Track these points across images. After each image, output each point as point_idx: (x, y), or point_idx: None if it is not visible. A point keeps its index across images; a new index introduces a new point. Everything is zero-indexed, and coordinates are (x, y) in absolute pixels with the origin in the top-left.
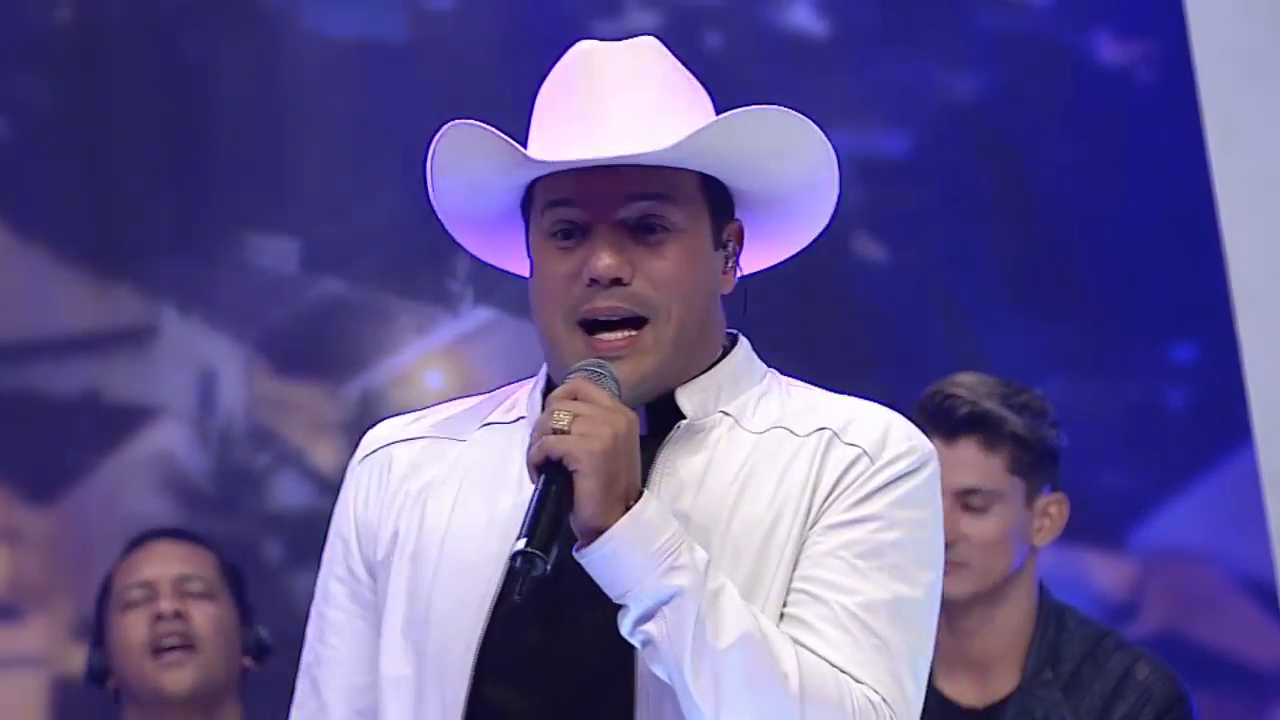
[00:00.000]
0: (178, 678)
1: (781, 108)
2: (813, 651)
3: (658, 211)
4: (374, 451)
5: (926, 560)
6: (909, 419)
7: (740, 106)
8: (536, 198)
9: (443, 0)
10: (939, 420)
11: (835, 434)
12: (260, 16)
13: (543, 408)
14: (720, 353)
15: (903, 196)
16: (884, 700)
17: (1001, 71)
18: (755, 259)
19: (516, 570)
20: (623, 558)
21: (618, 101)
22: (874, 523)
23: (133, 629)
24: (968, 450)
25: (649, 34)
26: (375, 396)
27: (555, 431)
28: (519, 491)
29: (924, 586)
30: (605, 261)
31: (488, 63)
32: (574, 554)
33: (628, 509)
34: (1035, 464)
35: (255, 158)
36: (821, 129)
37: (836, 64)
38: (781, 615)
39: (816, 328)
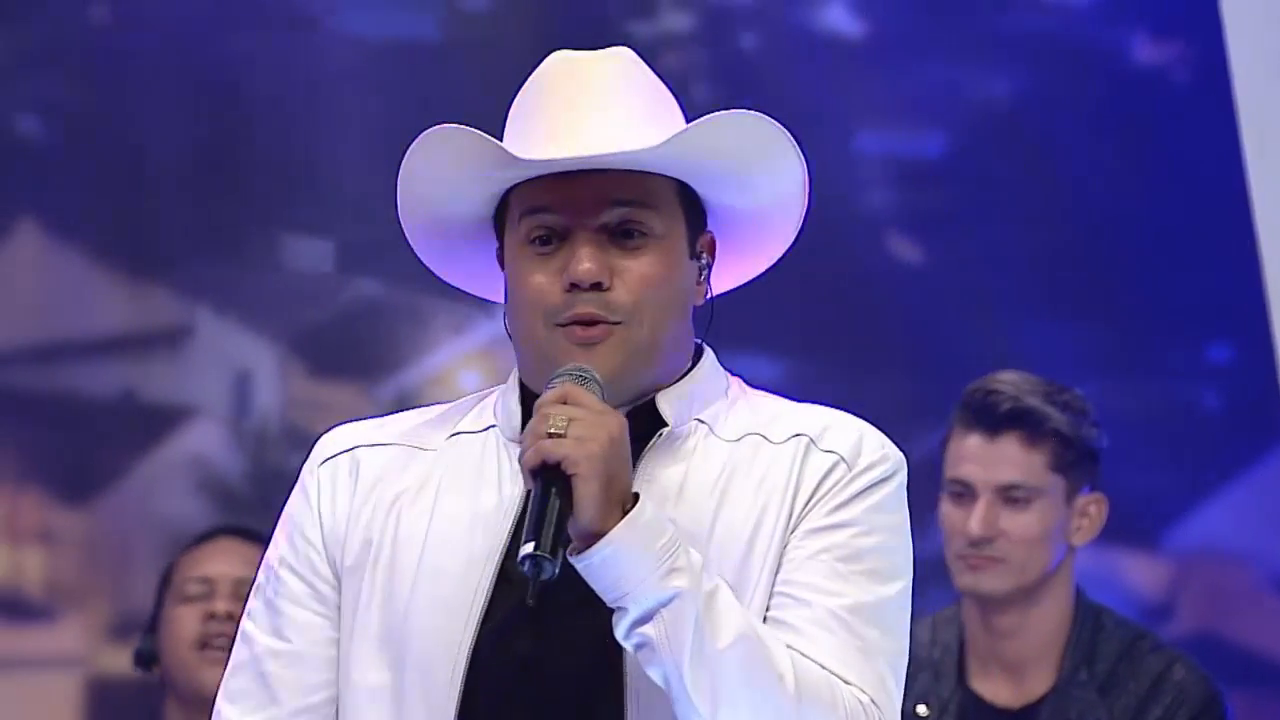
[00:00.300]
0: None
1: (759, 114)
2: (800, 653)
3: (637, 217)
4: (339, 454)
5: (901, 565)
6: (948, 417)
7: (772, 108)
8: (513, 206)
9: (477, 1)
10: (981, 416)
11: (812, 440)
12: (295, 17)
13: (520, 414)
14: (690, 362)
15: (937, 197)
16: (872, 701)
17: (1036, 72)
18: (722, 278)
19: (525, 575)
20: (623, 560)
21: (597, 109)
22: (853, 528)
23: (185, 623)
24: (1009, 446)
25: (684, 35)
26: (411, 396)
27: (550, 435)
28: (498, 497)
29: (900, 591)
30: (585, 265)
31: (522, 64)
32: (569, 558)
33: (624, 512)
34: (1076, 462)
35: (290, 159)
36: (855, 130)
37: (871, 65)
38: (764, 619)
39: (850, 328)
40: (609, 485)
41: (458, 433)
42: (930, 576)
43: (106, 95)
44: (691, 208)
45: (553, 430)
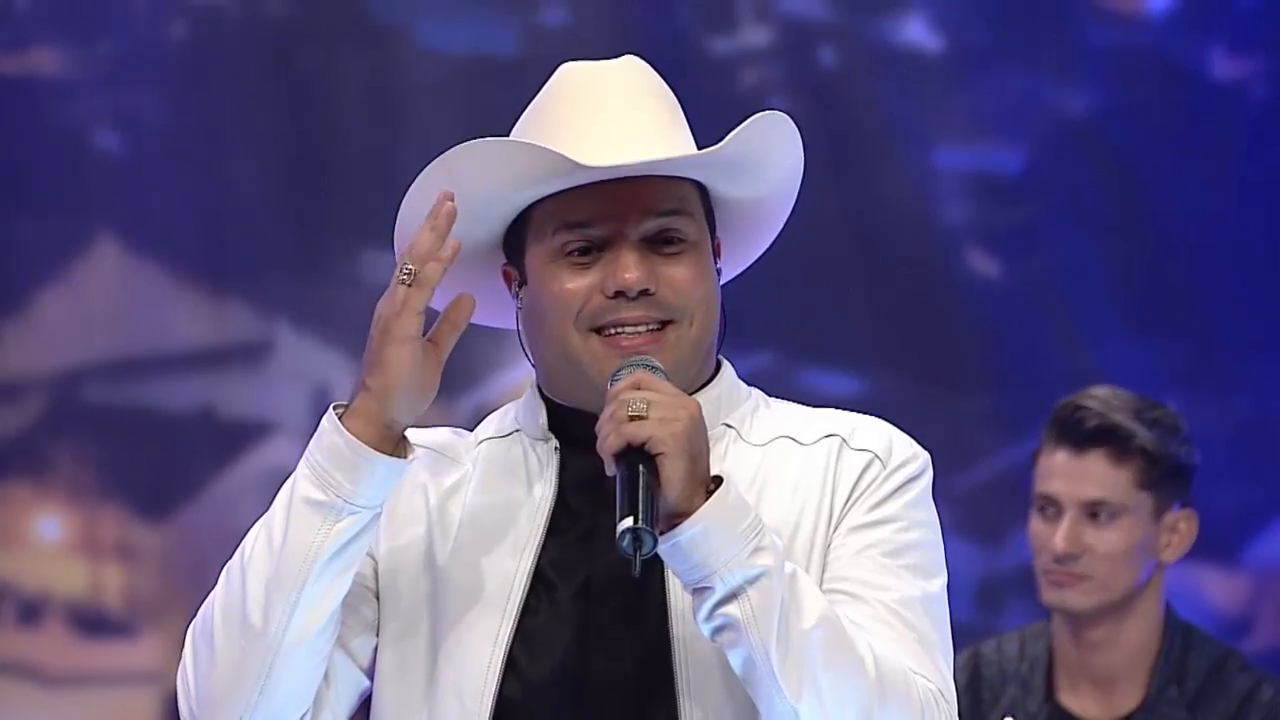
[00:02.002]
0: None
1: (780, 111)
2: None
3: (676, 224)
4: None
5: (938, 560)
6: (1026, 432)
7: (851, 124)
8: (541, 219)
9: (556, 16)
10: (1069, 431)
11: (844, 440)
12: (375, 32)
13: (545, 414)
14: (713, 369)
15: (1016, 211)
16: (940, 692)
17: (1115, 87)
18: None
19: (624, 551)
20: (712, 538)
21: (631, 116)
22: (894, 524)
23: None
24: (1096, 463)
25: (763, 50)
26: (488, 412)
27: (632, 419)
28: (528, 496)
29: (942, 586)
30: (633, 274)
31: None
32: (657, 534)
33: (708, 492)
34: (1164, 479)
35: (369, 173)
36: (934, 144)
37: (950, 80)
38: None
39: (929, 342)
40: (694, 464)
41: (483, 440)
42: (1011, 589)
43: (186, 110)
44: (709, 212)
45: (634, 413)
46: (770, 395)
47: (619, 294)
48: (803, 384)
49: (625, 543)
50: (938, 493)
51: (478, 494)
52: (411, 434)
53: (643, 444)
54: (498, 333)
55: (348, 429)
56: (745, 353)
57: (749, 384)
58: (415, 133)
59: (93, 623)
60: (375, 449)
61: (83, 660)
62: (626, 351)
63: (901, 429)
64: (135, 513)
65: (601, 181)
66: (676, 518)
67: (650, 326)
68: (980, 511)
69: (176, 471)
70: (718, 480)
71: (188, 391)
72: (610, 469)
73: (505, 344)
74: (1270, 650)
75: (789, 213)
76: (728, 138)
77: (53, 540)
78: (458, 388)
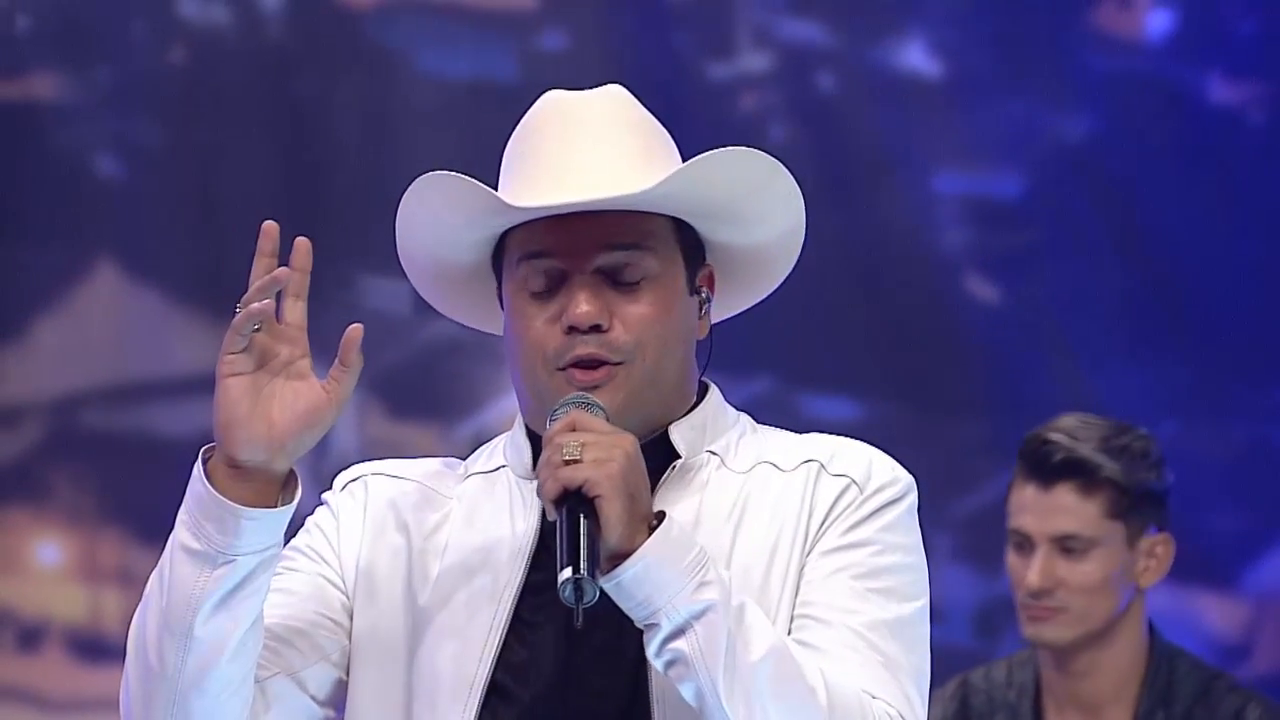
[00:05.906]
0: None
1: (753, 149)
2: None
3: (633, 259)
4: (356, 480)
5: (917, 584)
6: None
7: (849, 149)
8: (510, 250)
9: (555, 42)
10: (1036, 466)
11: (822, 465)
12: (373, 57)
13: (529, 451)
14: (696, 397)
15: (1014, 236)
16: (901, 716)
17: (1113, 112)
18: (719, 309)
19: (566, 600)
20: (654, 575)
21: (593, 149)
22: (868, 547)
23: None
24: (1065, 496)
25: (762, 75)
26: (488, 437)
27: (567, 463)
28: (511, 533)
29: (917, 610)
30: (583, 309)
31: None
32: (600, 580)
33: (650, 529)
34: (1134, 507)
35: (368, 199)
36: (933, 170)
37: (948, 105)
38: None
39: (928, 368)
40: (633, 503)
41: (470, 474)
42: (1010, 614)
43: (185, 136)
44: (690, 244)
45: (568, 457)
46: (770, 421)
47: (572, 329)
48: (802, 410)
49: (567, 593)
50: (936, 518)
51: (461, 532)
52: (400, 466)
53: (579, 487)
54: (496, 356)
55: (212, 477)
56: (744, 378)
57: (744, 409)
58: (414, 159)
59: (92, 648)
60: (241, 501)
61: (83, 686)
62: (581, 384)
63: (900, 454)
64: (135, 537)
65: (562, 215)
66: (618, 557)
67: (603, 363)
68: (979, 537)
69: (176, 496)
70: (661, 516)
71: (187, 416)
72: (551, 515)
73: (504, 368)
74: (1270, 676)
75: (791, 262)
76: (665, 176)
77: (52, 565)
78: (457, 414)
